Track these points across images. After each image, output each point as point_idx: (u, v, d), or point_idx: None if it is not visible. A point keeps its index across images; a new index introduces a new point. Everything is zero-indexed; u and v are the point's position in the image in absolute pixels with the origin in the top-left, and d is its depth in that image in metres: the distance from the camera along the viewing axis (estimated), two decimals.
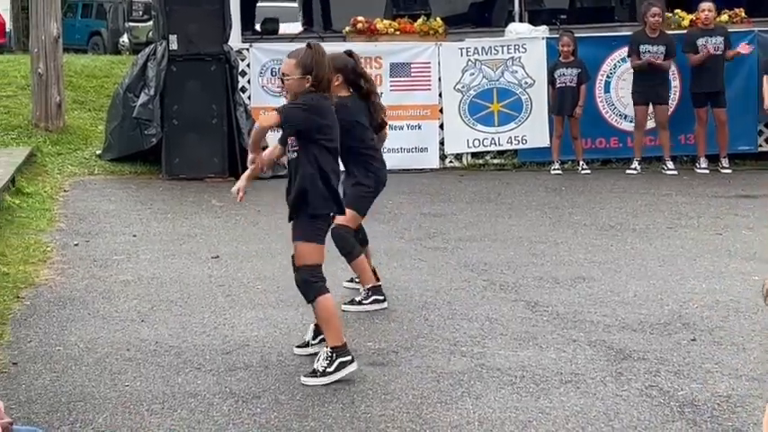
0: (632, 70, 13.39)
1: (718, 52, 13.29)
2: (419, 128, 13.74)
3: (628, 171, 13.30)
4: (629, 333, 6.63)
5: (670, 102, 13.58)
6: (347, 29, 14.28)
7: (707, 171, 13.30)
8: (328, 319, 5.95)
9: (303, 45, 6.05)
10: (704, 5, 13.46)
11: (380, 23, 14.21)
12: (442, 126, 13.80)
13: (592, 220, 10.36)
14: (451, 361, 6.16)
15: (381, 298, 7.31)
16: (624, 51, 13.64)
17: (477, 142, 13.85)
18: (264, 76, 13.51)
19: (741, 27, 14.09)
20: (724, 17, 13.98)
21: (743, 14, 14.42)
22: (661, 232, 9.75)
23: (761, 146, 14.05)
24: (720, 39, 13.31)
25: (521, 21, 14.74)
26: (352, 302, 7.31)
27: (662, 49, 13.10)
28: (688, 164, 13.64)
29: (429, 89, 13.75)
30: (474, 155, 13.95)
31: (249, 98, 13.46)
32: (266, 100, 13.50)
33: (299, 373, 5.93)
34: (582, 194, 11.91)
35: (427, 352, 6.32)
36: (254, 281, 8.03)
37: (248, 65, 13.52)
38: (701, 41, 13.29)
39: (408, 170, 13.45)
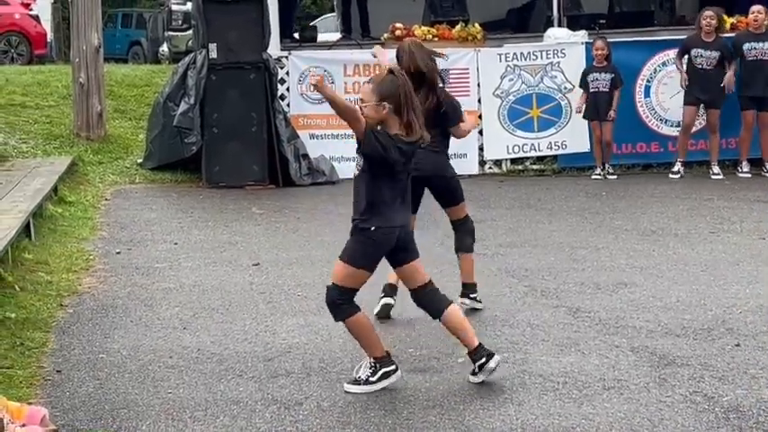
0: (675, 73, 13.31)
1: (766, 57, 13.16)
2: None
3: (670, 174, 13.22)
4: (673, 339, 6.58)
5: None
6: (386, 35, 14.29)
7: (749, 175, 13.19)
8: (363, 336, 5.92)
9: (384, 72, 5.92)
10: (755, 8, 13.35)
11: (419, 30, 14.21)
12: (481, 132, 13.78)
13: (633, 225, 10.30)
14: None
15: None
16: (664, 55, 13.57)
17: (516, 148, 13.82)
18: (303, 84, 13.54)
19: None
20: None
21: None
22: (703, 237, 9.68)
23: None
24: None
25: (560, 26, 14.72)
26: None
27: (715, 54, 12.99)
28: (730, 168, 13.53)
29: (468, 95, 13.71)
30: (513, 161, 13.92)
31: (288, 105, 13.51)
32: (305, 107, 13.56)
33: (341, 380, 5.94)
34: (623, 199, 11.84)
35: (469, 361, 6.29)
36: (294, 288, 8.04)
37: (287, 72, 13.57)
38: (747, 46, 13.17)
39: None
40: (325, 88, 5.74)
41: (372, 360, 5.86)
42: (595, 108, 13.22)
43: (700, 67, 13.04)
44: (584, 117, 13.39)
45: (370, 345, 5.90)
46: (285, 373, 6.11)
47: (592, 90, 13.20)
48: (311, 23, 18.51)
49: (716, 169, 13.20)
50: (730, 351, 6.30)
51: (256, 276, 8.43)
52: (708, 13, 13.04)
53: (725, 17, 13.76)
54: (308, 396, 5.72)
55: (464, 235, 7.56)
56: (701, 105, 13.23)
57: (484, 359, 5.82)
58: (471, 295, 7.40)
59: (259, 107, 12.87)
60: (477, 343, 5.88)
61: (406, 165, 5.85)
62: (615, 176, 13.23)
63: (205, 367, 6.22)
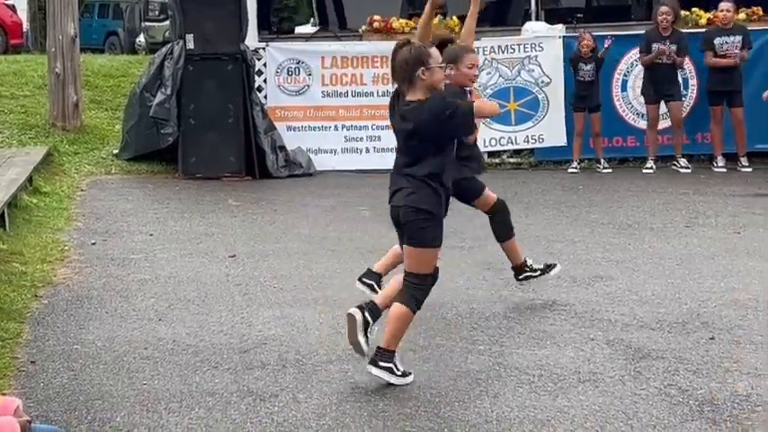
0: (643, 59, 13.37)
1: (737, 51, 13.23)
2: None
3: (644, 170, 13.25)
4: (648, 332, 6.61)
5: (687, 100, 13.55)
6: (363, 28, 14.28)
7: (724, 170, 13.24)
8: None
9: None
10: (723, 5, 13.39)
11: (397, 22, 14.20)
12: None
13: (609, 218, 10.32)
14: (469, 360, 6.15)
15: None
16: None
17: (493, 141, 13.83)
18: (281, 75, 13.52)
19: (759, 25, 14.03)
20: (741, 15, 13.92)
21: (760, 12, 14.36)
22: (679, 231, 9.71)
23: None
24: (739, 38, 13.24)
25: (537, 19, 14.71)
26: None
27: (673, 47, 13.04)
28: (706, 162, 13.58)
29: None
30: (491, 154, 13.91)
31: (266, 97, 13.48)
32: (282, 99, 13.54)
33: (317, 372, 5.94)
34: (599, 193, 11.87)
35: (445, 351, 6.32)
36: (270, 280, 8.03)
37: (264, 64, 13.53)
38: (718, 41, 13.23)
39: None
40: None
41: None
42: (582, 97, 13.22)
43: (659, 60, 13.09)
44: (572, 107, 13.37)
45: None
46: (261, 364, 6.10)
47: (578, 79, 13.22)
48: None
49: (682, 162, 13.24)
50: (705, 344, 6.33)
51: (232, 268, 8.41)
52: (663, 8, 13.09)
53: (701, 12, 13.84)
54: (283, 388, 5.72)
55: (497, 225, 7.62)
56: (663, 101, 13.26)
57: None
58: (525, 275, 7.53)
59: (236, 98, 12.83)
60: None
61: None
62: (609, 170, 13.25)
63: (180, 359, 6.21)
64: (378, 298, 6.18)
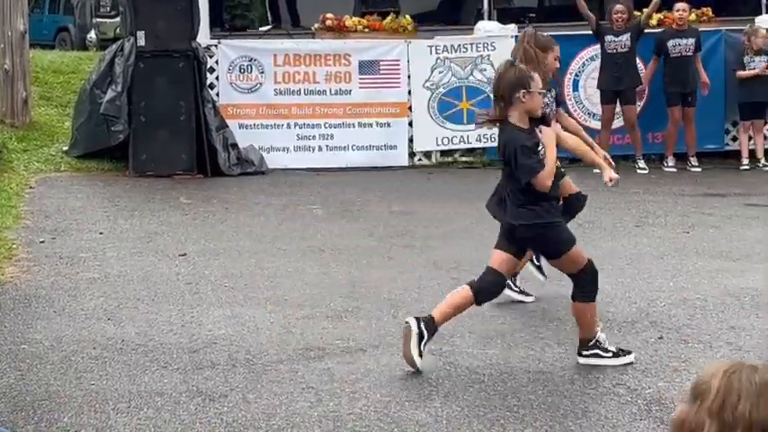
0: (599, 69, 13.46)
1: (690, 53, 13.35)
2: (388, 125, 13.72)
3: (595, 170, 13.29)
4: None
5: (638, 101, 13.65)
6: (316, 26, 14.26)
7: (674, 170, 13.36)
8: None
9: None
10: (679, 5, 13.52)
11: (349, 21, 14.19)
12: (411, 124, 13.79)
13: None
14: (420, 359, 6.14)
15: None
16: (592, 50, 13.70)
17: (446, 140, 13.85)
18: (233, 73, 13.46)
19: (709, 26, 14.17)
20: (692, 16, 14.04)
21: (710, 14, 14.50)
22: (629, 230, 9.78)
23: (728, 144, 14.13)
24: (692, 40, 13.36)
25: (490, 19, 14.76)
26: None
27: (626, 36, 13.13)
28: (656, 162, 13.69)
29: (398, 87, 13.73)
30: (443, 153, 13.95)
31: (218, 95, 13.40)
32: (235, 97, 13.47)
33: (267, 372, 5.91)
34: None
35: (395, 350, 6.29)
36: (221, 279, 7.99)
37: (216, 61, 13.46)
38: (671, 42, 13.34)
39: (377, 168, 13.44)
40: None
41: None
42: None
43: (612, 52, 13.19)
44: None
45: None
46: (210, 364, 6.07)
47: None
48: None
49: (641, 164, 13.34)
50: (653, 344, 6.38)
51: (183, 267, 8.35)
52: (618, 7, 13.18)
53: (652, 14, 13.93)
54: (233, 388, 5.69)
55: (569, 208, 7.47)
56: (617, 101, 13.35)
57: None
58: None
59: (187, 96, 12.74)
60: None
61: None
62: (561, 169, 13.27)
63: (129, 358, 6.16)
64: (435, 312, 6.11)
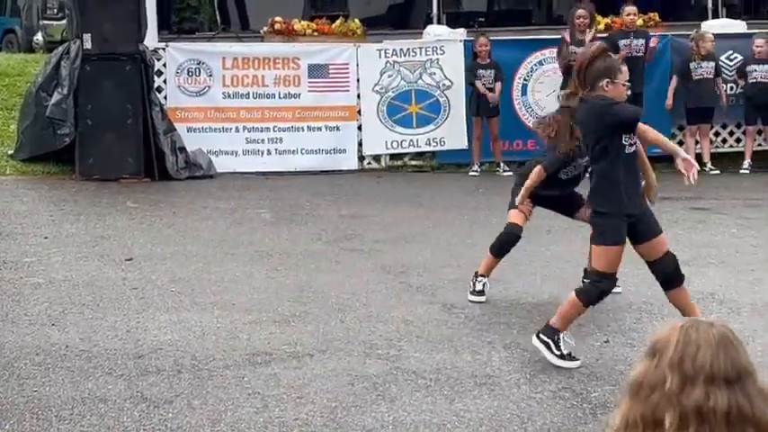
0: (551, 72, 13.51)
1: (639, 54, 13.46)
2: (337, 129, 13.70)
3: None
4: None
5: None
6: (265, 29, 14.21)
7: None
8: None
9: None
10: (629, 9, 13.63)
11: (298, 24, 14.16)
12: (360, 127, 13.78)
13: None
14: (367, 364, 6.13)
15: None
16: (541, 54, 13.77)
17: (395, 144, 13.85)
18: (181, 76, 13.37)
19: (656, 31, 14.28)
20: (640, 21, 14.15)
21: (657, 18, 14.63)
22: (577, 233, 9.79)
23: None
24: (642, 41, 13.48)
25: (439, 23, 14.79)
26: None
27: (640, 42, 13.23)
28: None
29: (347, 90, 13.72)
30: (392, 156, 13.95)
31: (165, 98, 13.31)
32: (182, 100, 13.39)
33: (213, 378, 5.87)
34: (499, 196, 11.86)
35: (342, 355, 6.29)
36: (168, 284, 7.92)
37: (164, 64, 13.37)
38: (623, 42, 13.44)
39: (326, 171, 13.42)
40: None
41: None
42: (479, 103, 13.32)
43: (574, 63, 13.25)
44: (469, 113, 13.47)
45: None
46: (155, 370, 6.01)
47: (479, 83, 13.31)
48: None
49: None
50: (599, 348, 6.41)
51: (129, 272, 8.28)
52: (580, 11, 13.26)
53: (599, 17, 14.03)
54: (178, 394, 5.64)
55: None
56: None
57: None
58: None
59: (135, 99, 12.64)
60: None
61: None
62: (510, 173, 13.35)
63: (73, 364, 6.09)
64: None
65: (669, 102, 13.41)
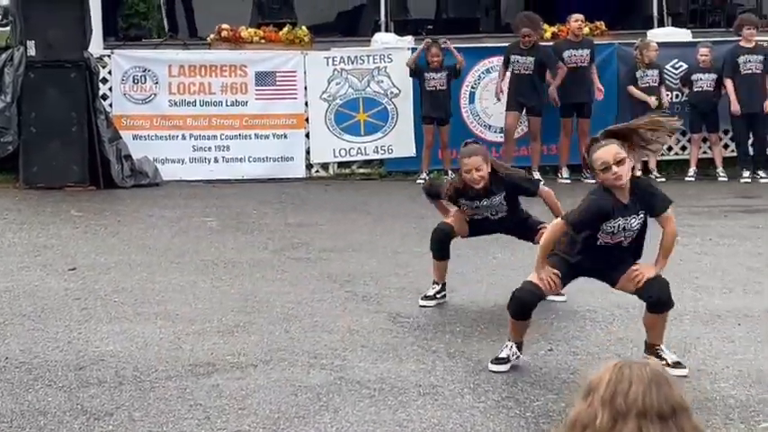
0: (496, 82, 13.57)
1: (585, 64, 13.54)
2: (285, 137, 13.67)
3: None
4: (488, 344, 6.65)
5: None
6: (212, 36, 14.15)
7: (569, 181, 13.52)
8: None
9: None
10: (575, 16, 13.72)
11: (245, 31, 14.11)
12: (308, 135, 13.75)
13: None
14: (311, 374, 6.10)
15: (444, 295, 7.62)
16: (488, 62, 13.82)
17: (343, 152, 13.84)
18: (126, 84, 13.28)
19: (602, 40, 14.38)
20: (586, 30, 14.24)
21: (603, 27, 14.73)
22: (521, 243, 9.80)
23: None
24: (587, 51, 13.57)
25: (387, 31, 14.80)
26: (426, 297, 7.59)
27: (530, 60, 13.26)
28: (551, 173, 13.83)
29: (295, 98, 13.70)
30: (340, 164, 13.94)
31: (110, 105, 13.22)
32: (128, 108, 13.30)
33: (155, 389, 5.81)
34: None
35: (287, 365, 6.25)
36: (111, 294, 7.84)
37: (110, 72, 13.27)
38: (567, 53, 13.52)
39: (274, 179, 13.38)
40: None
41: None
42: (432, 108, 13.33)
43: (518, 72, 13.33)
44: (423, 119, 13.47)
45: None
46: (97, 382, 5.94)
47: (429, 89, 13.31)
48: None
49: (536, 175, 13.47)
50: (543, 356, 6.41)
51: (72, 281, 8.19)
52: (525, 30, 13.30)
53: (545, 26, 14.11)
54: (119, 406, 5.57)
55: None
56: (524, 111, 13.51)
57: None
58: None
59: (79, 107, 12.54)
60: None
61: None
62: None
63: (12, 376, 6.00)
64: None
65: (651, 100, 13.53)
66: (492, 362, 6.12)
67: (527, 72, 13.31)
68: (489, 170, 7.36)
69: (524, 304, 6.12)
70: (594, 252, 6.13)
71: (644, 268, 6.14)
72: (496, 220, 7.58)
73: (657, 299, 6.06)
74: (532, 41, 13.28)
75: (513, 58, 13.34)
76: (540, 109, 13.47)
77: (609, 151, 5.91)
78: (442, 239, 7.62)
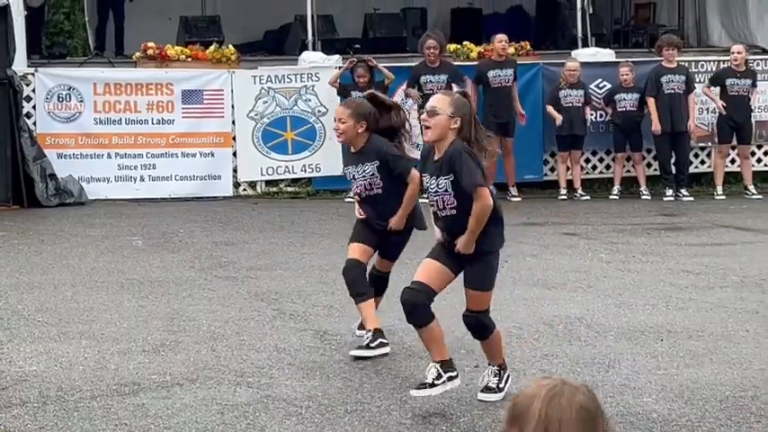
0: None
1: (509, 84, 13.67)
2: (212, 155, 13.62)
3: (421, 200, 13.46)
4: (416, 360, 6.68)
5: None
6: (137, 54, 14.07)
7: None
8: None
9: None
10: (499, 37, 13.84)
11: (171, 50, 14.05)
12: (235, 154, 13.72)
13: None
14: (237, 392, 6.07)
15: (386, 341, 6.88)
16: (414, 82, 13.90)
17: (270, 170, 13.82)
18: (51, 102, 13.15)
19: (527, 59, 14.54)
20: (511, 50, 14.39)
21: (528, 47, 14.90)
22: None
23: (546, 175, 14.51)
24: (511, 71, 13.70)
25: (314, 49, 14.81)
26: (360, 348, 6.84)
27: (443, 78, 13.33)
28: None
29: (222, 117, 13.66)
30: (268, 183, 13.92)
31: (35, 124, 13.07)
32: (53, 126, 13.18)
33: (80, 409, 5.75)
34: None
35: (213, 384, 6.22)
36: (34, 313, 7.75)
37: (34, 90, 13.13)
38: (491, 74, 13.64)
39: (201, 198, 13.32)
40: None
41: (497, 367, 5.98)
42: None
43: (430, 92, 13.41)
44: None
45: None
46: (20, 402, 5.86)
47: None
48: None
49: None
50: (469, 372, 6.45)
51: None
52: (430, 42, 13.38)
53: (472, 46, 14.24)
54: (42, 426, 5.51)
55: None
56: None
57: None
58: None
59: (3, 125, 12.41)
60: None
61: None
62: None
63: None
64: None
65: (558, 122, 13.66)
66: (415, 388, 5.90)
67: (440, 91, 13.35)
68: (363, 129, 6.86)
69: (414, 305, 5.90)
70: (439, 222, 6.05)
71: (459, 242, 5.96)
72: (372, 199, 7.02)
73: (472, 331, 6.10)
74: (436, 56, 13.30)
75: (423, 78, 13.38)
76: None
77: (439, 99, 5.89)
78: (356, 275, 7.00)
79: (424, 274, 5.94)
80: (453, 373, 5.93)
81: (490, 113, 13.62)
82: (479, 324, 5.98)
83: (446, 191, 5.84)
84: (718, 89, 14.20)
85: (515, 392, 4.90)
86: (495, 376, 6.01)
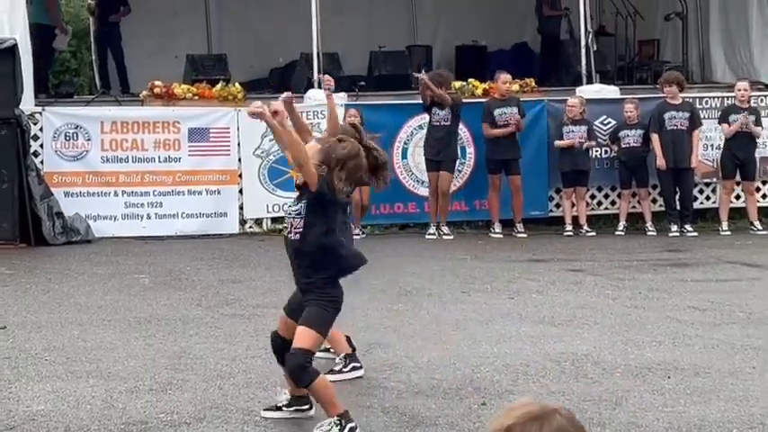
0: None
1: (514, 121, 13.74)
2: (218, 193, 13.67)
3: (426, 236, 13.53)
4: (422, 398, 6.69)
5: (465, 168, 13.96)
6: (144, 93, 14.15)
7: (501, 236, 13.65)
8: (328, 396, 5.92)
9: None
10: (503, 77, 13.90)
11: (178, 88, 14.14)
12: (241, 191, 13.77)
13: (388, 284, 10.45)
14: (245, 431, 6.08)
15: (359, 365, 7.13)
16: (420, 118, 13.97)
17: (276, 207, 13.85)
18: (58, 140, 13.22)
19: (532, 96, 14.62)
20: (515, 86, 14.46)
21: (533, 84, 14.97)
22: (455, 297, 9.92)
23: (551, 211, 14.54)
24: (515, 109, 13.76)
25: (320, 87, 14.87)
26: (332, 372, 6.98)
27: (447, 113, 13.40)
28: (483, 228, 13.96)
29: (228, 154, 13.72)
30: (274, 220, 13.95)
31: (42, 162, 13.13)
32: (60, 164, 13.24)
33: None
34: (379, 259, 11.98)
35: (220, 422, 6.23)
36: (42, 352, 7.76)
37: (41, 128, 13.20)
38: (497, 112, 13.70)
39: (207, 235, 13.35)
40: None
41: (337, 419, 5.86)
42: None
43: (437, 124, 13.49)
44: None
45: (331, 404, 5.91)
46: None
47: None
48: None
49: (445, 230, 13.56)
50: (477, 410, 6.45)
51: (2, 340, 8.09)
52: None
53: (476, 83, 14.32)
54: None
55: None
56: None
57: None
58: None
59: (10, 164, 12.46)
60: None
61: None
62: (359, 236, 13.40)
63: None
64: None
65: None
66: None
67: (446, 123, 13.43)
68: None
69: (274, 351, 6.27)
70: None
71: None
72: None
73: (288, 372, 6.10)
74: (425, 94, 13.38)
75: (433, 110, 13.48)
76: (450, 164, 13.57)
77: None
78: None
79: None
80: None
81: (493, 150, 13.67)
82: (296, 365, 5.91)
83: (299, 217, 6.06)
84: (726, 125, 14.25)
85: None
86: (336, 425, 5.88)
